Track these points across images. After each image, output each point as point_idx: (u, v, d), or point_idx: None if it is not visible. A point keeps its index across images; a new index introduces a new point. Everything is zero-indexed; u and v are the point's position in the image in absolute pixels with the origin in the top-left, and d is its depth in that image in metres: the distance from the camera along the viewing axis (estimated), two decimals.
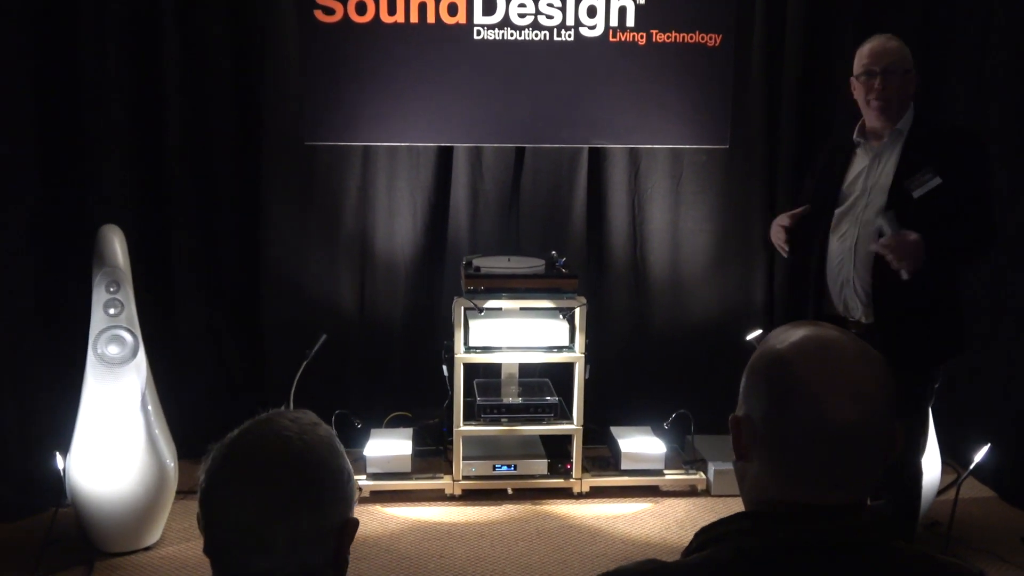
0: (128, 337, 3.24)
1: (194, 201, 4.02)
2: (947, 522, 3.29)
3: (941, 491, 3.51)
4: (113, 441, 3.20)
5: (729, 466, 3.80)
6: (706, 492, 3.81)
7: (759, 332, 3.96)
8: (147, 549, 3.31)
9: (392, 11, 3.96)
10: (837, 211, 2.85)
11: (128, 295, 3.27)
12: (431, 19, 3.98)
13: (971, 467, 3.30)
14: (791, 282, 3.00)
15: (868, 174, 2.82)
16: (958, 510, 3.32)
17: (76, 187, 3.81)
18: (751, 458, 1.16)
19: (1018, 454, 3.59)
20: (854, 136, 2.88)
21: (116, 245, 3.28)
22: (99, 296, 3.22)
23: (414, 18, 3.98)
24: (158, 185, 3.97)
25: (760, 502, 1.16)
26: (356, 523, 1.19)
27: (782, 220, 2.98)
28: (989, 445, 3.22)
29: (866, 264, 2.75)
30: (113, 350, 3.23)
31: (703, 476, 3.83)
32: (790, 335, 1.16)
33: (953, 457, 3.88)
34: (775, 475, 1.13)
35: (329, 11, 3.94)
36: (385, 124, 4.05)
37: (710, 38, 4.12)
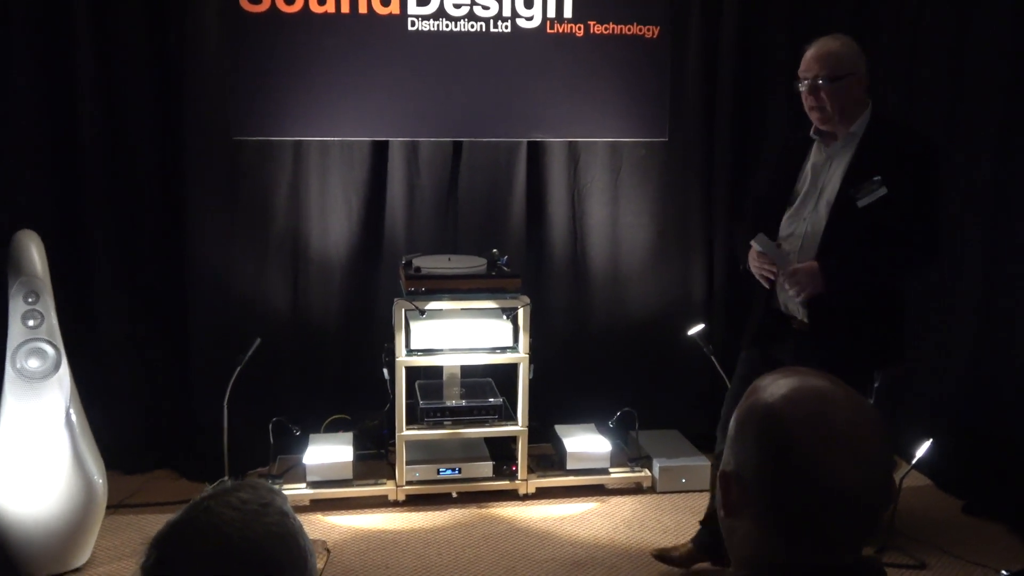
0: (49, 350, 3.06)
1: (114, 202, 3.82)
2: (889, 514, 3.34)
3: None
4: (36, 460, 3.01)
5: (673, 462, 3.80)
6: (651, 489, 3.78)
7: (701, 327, 3.96)
8: (76, 571, 3.15)
9: (322, 1, 3.81)
10: (789, 210, 2.81)
11: (48, 305, 3.08)
12: (363, 9, 3.85)
13: (913, 462, 3.35)
14: (745, 278, 2.94)
15: (819, 175, 2.78)
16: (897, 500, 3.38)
17: None
18: (741, 515, 1.10)
19: (952, 444, 3.66)
20: (811, 132, 2.83)
21: (34, 252, 3.08)
22: (16, 307, 3.03)
23: (345, 8, 3.84)
24: (74, 187, 3.77)
25: (751, 561, 1.10)
26: None
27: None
28: (931, 440, 3.27)
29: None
30: (33, 364, 3.04)
31: (648, 473, 3.81)
32: (779, 386, 1.10)
33: (893, 448, 3.95)
34: (768, 535, 1.08)
35: (255, 0, 3.77)
36: (316, 118, 3.91)
37: (648, 30, 4.08)
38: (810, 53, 2.74)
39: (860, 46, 2.78)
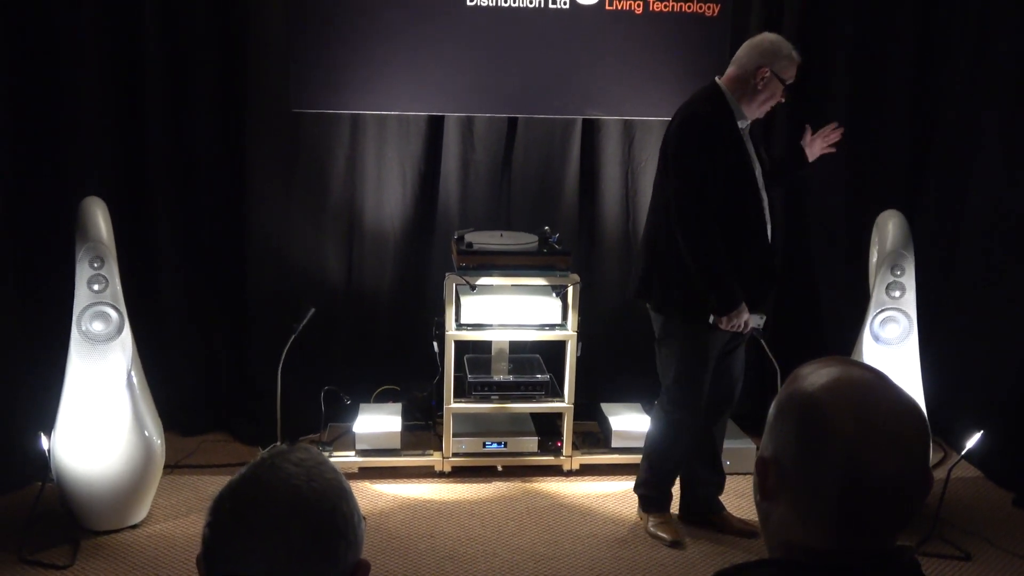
0: (113, 314, 3.16)
1: (176, 171, 3.92)
2: (935, 504, 3.30)
3: None
4: (98, 419, 3.14)
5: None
6: None
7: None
8: (134, 527, 3.27)
9: None
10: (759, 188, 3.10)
11: (113, 270, 3.18)
12: None
13: (963, 452, 3.31)
14: (760, 269, 3.14)
15: (752, 155, 3.10)
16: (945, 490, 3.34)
17: (53, 160, 3.69)
18: (777, 500, 1.12)
19: (1005, 436, 3.61)
20: (743, 121, 3.07)
21: (99, 219, 3.19)
22: (83, 272, 3.14)
23: None
24: (139, 156, 3.86)
25: (786, 546, 1.12)
26: (368, 566, 1.14)
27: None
28: (982, 432, 3.23)
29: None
30: (98, 327, 3.15)
31: None
32: (820, 374, 1.11)
33: (943, 438, 3.91)
34: (803, 521, 1.09)
35: None
36: (374, 92, 3.95)
37: (708, 7, 4.04)
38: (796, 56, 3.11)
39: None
